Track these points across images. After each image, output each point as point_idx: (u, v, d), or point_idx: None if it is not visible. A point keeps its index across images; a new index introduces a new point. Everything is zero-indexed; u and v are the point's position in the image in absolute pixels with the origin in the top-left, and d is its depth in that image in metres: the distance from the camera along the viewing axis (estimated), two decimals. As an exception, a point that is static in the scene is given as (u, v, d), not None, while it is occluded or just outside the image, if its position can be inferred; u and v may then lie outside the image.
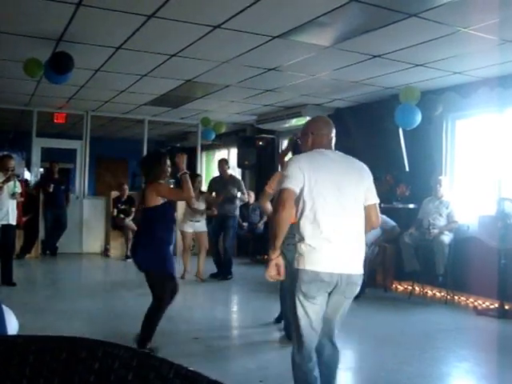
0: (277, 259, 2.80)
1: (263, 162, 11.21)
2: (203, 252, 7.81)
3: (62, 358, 0.98)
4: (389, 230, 7.43)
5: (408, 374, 4.08)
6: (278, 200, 2.77)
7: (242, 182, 8.48)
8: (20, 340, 1.04)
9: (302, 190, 2.75)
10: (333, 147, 3.02)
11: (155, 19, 4.71)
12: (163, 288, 4.08)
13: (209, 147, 13.34)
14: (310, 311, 2.79)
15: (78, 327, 4.93)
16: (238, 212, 8.23)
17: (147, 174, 4.24)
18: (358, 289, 2.86)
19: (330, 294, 2.81)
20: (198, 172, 11.82)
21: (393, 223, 7.42)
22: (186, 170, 4.20)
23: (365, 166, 3.01)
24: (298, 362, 2.89)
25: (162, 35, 5.24)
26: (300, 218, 2.77)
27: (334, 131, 3.04)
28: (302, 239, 2.76)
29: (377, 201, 2.92)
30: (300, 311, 2.81)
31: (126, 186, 10.40)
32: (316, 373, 2.85)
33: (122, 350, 0.97)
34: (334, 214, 2.74)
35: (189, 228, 7.71)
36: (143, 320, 4.06)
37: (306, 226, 2.75)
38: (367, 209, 2.88)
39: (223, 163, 8.21)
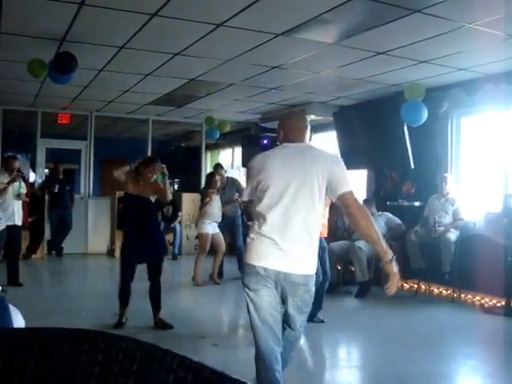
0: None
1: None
2: (221, 254, 7.68)
3: (65, 350, 0.99)
4: (394, 228, 7.41)
5: (414, 371, 4.07)
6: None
7: (240, 182, 8.40)
8: (24, 332, 1.05)
9: (254, 192, 2.85)
10: (305, 139, 2.91)
11: (158, 18, 4.70)
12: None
13: (213, 146, 13.34)
14: (257, 305, 2.78)
15: (84, 327, 4.92)
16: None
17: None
18: (305, 290, 2.77)
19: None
20: (202, 171, 11.84)
21: (398, 221, 7.40)
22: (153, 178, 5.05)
23: (330, 156, 2.87)
24: (257, 367, 2.85)
25: (166, 34, 5.24)
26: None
27: (305, 123, 2.97)
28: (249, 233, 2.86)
29: (349, 189, 2.71)
30: (249, 306, 2.82)
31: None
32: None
33: (125, 342, 0.98)
34: (276, 212, 2.72)
35: (210, 229, 7.49)
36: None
37: (253, 222, 2.84)
38: (340, 199, 2.73)
39: (219, 169, 8.13)
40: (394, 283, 2.78)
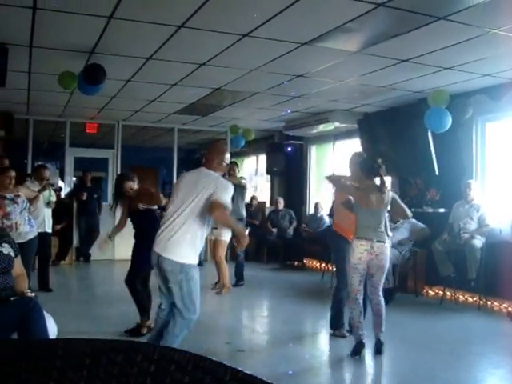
0: None
1: (292, 168, 11.24)
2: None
3: (118, 361, 1.00)
4: (417, 231, 7.37)
5: (442, 379, 4.05)
6: None
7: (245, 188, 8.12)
8: (76, 343, 1.07)
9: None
10: (214, 168, 3.90)
11: (185, 29, 4.81)
12: None
13: (238, 154, 13.43)
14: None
15: (113, 332, 5.03)
16: None
17: None
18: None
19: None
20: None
21: (421, 225, 7.37)
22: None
23: (208, 175, 3.83)
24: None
25: (192, 45, 5.34)
26: None
27: (220, 157, 3.95)
28: None
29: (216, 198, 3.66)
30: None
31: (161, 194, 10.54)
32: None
33: (177, 354, 0.98)
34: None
35: (228, 237, 7.30)
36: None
37: None
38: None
39: (233, 165, 7.59)
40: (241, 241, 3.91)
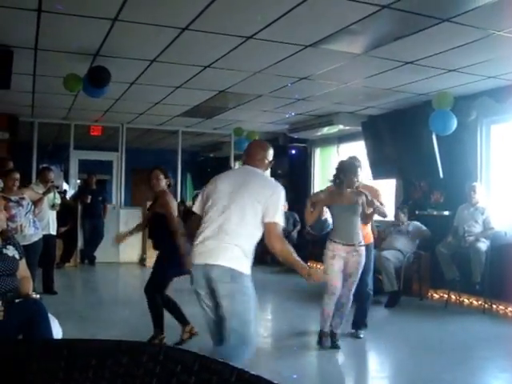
0: None
1: (296, 170, 11.23)
2: None
3: (123, 362, 1.00)
4: (421, 235, 7.38)
5: (447, 382, 4.02)
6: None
7: None
8: (82, 344, 1.07)
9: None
10: (259, 166, 3.39)
11: (189, 32, 4.81)
12: None
13: (241, 156, 13.42)
14: None
15: (117, 335, 5.03)
16: None
17: None
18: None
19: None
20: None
21: (423, 228, 7.42)
22: None
23: (261, 178, 3.33)
24: None
25: (196, 47, 5.35)
26: None
27: (264, 153, 3.42)
28: None
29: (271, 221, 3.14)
30: None
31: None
32: None
33: (183, 355, 0.98)
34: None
35: None
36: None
37: None
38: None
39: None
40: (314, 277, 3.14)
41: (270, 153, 3.44)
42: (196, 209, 3.39)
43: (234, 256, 3.07)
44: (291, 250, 3.14)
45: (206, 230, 3.16)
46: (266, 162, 3.43)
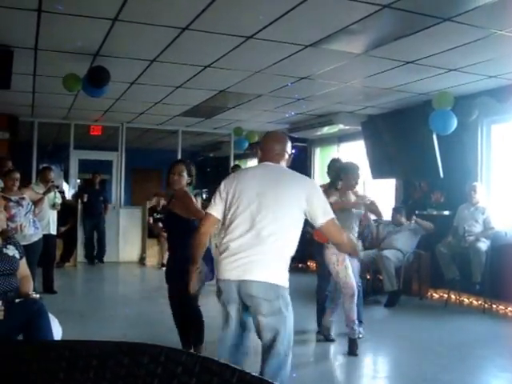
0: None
1: (296, 170, 11.19)
2: None
3: (124, 363, 1.00)
4: (424, 231, 7.38)
5: (446, 382, 4.03)
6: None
7: None
8: (83, 345, 1.06)
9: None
10: (280, 161, 3.05)
11: (189, 31, 4.80)
12: None
13: (241, 156, 13.43)
14: None
15: (117, 334, 5.02)
16: None
17: None
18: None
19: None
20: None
21: (425, 222, 7.41)
22: None
23: (292, 176, 3.03)
24: None
25: (196, 47, 5.34)
26: None
27: (282, 146, 3.07)
28: None
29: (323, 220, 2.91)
30: None
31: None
32: None
33: (184, 356, 0.98)
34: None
35: None
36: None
37: None
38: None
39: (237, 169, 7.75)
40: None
41: (288, 145, 3.08)
42: (215, 211, 2.97)
43: (276, 269, 2.79)
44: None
45: (237, 241, 2.79)
46: (286, 155, 3.07)
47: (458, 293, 6.93)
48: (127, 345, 1.05)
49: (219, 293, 2.91)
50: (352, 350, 4.66)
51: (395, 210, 7.68)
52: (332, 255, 4.66)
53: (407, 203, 8.13)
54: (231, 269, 2.79)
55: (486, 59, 5.50)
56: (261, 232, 2.76)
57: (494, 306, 6.52)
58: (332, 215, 2.88)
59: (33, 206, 6.00)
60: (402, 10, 4.15)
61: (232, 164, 11.86)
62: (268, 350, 2.81)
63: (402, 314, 6.45)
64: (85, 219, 10.00)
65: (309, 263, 10.22)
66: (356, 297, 4.69)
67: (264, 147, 3.10)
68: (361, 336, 5.07)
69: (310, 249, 5.74)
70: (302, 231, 3.01)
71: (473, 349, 4.94)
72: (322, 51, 5.32)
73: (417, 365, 4.46)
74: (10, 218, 5.52)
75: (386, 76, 6.28)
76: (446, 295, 6.97)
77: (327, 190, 4.87)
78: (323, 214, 2.86)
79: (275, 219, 2.79)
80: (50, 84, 6.86)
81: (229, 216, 2.88)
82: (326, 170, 5.72)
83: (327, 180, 5.58)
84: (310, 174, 11.25)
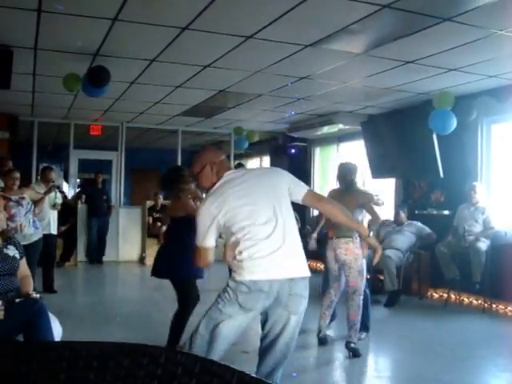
0: None
1: (296, 170, 11.20)
2: None
3: (124, 364, 1.00)
4: (424, 237, 7.39)
5: (446, 382, 4.03)
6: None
7: None
8: (83, 345, 1.06)
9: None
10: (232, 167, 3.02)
11: (189, 31, 4.80)
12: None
13: (241, 156, 13.43)
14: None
15: (117, 333, 5.03)
16: None
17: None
18: None
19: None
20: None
21: (428, 230, 7.37)
22: None
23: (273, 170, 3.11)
24: None
25: (196, 47, 5.34)
26: None
27: (200, 162, 2.94)
28: None
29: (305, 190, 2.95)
30: None
31: (161, 196, 10.58)
32: None
33: (184, 357, 0.97)
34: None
35: None
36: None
37: None
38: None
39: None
40: (380, 253, 3.14)
41: (205, 157, 2.93)
42: (210, 243, 2.81)
43: (305, 260, 2.77)
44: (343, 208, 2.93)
45: (262, 243, 2.63)
46: (207, 167, 2.89)
47: (457, 292, 6.93)
48: (128, 346, 1.05)
49: (241, 293, 2.63)
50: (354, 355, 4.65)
51: (399, 207, 7.74)
52: (356, 249, 4.64)
53: (407, 203, 8.14)
54: (271, 267, 2.62)
55: (486, 59, 5.50)
56: (285, 229, 2.70)
57: (494, 305, 6.53)
58: (308, 187, 2.99)
59: (33, 206, 6.00)
60: (402, 10, 4.15)
61: (232, 164, 11.88)
62: (268, 350, 2.79)
63: (402, 314, 6.45)
64: (90, 220, 10.01)
65: (309, 263, 10.23)
66: (362, 296, 4.70)
67: (198, 174, 2.94)
68: (361, 337, 5.03)
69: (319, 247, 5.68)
70: (301, 231, 3.01)
71: (473, 349, 4.94)
72: (322, 51, 5.32)
73: (416, 364, 4.46)
74: (10, 218, 5.52)
75: (385, 76, 6.28)
76: (445, 295, 6.98)
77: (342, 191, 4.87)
78: (300, 187, 2.93)
79: (283, 215, 2.74)
80: (50, 84, 6.87)
81: (237, 229, 2.71)
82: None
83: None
84: (309, 173, 11.24)
